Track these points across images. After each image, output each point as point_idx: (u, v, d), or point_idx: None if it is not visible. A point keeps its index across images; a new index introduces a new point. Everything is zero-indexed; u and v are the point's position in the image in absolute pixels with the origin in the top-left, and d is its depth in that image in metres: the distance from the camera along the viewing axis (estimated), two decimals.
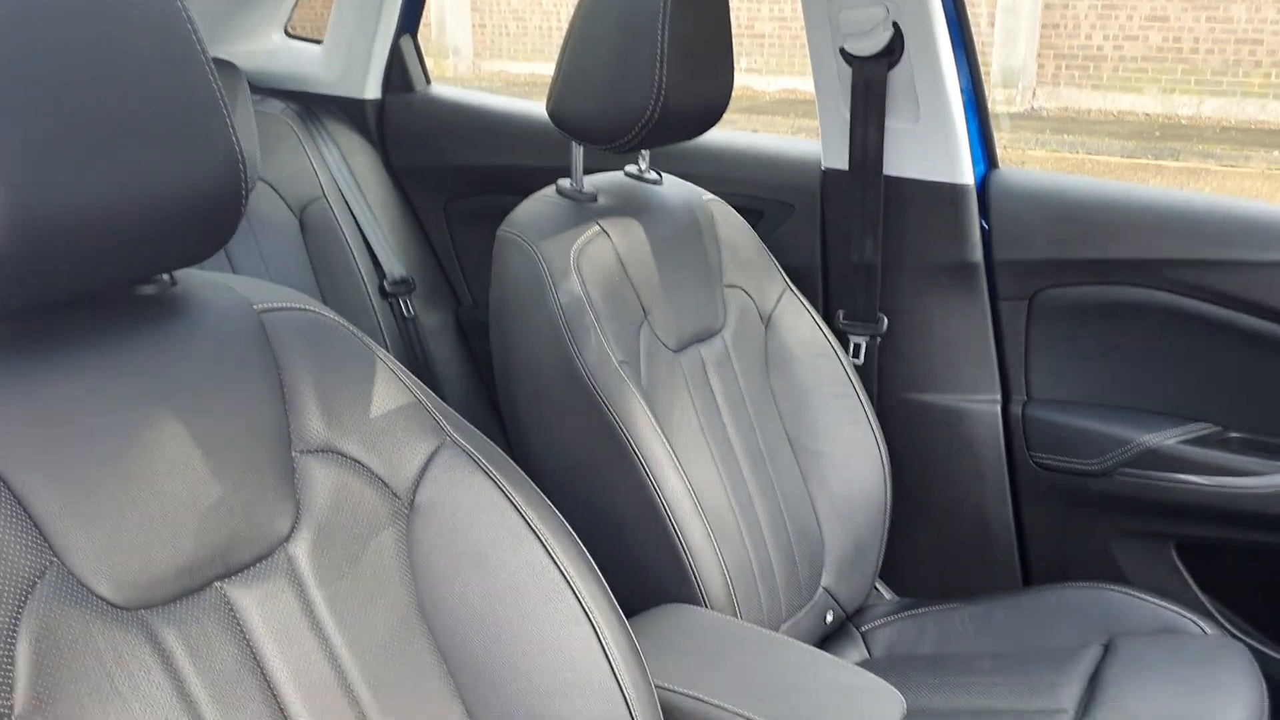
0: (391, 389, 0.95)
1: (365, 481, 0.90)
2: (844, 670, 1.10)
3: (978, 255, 1.72)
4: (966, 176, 1.70)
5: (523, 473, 0.98)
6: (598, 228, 1.40)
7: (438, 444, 0.94)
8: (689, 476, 1.32)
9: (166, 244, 0.78)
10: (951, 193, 1.71)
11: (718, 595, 1.29)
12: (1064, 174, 1.74)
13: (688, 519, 1.29)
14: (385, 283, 2.04)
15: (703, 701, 1.02)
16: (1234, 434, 1.63)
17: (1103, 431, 1.67)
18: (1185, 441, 1.62)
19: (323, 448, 0.88)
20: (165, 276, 0.86)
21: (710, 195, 1.64)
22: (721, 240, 1.60)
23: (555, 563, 0.94)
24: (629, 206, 1.48)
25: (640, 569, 1.28)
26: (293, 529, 0.85)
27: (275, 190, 1.98)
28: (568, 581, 0.94)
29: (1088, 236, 1.66)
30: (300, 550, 0.85)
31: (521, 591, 0.92)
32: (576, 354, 1.29)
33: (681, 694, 1.03)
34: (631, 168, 1.59)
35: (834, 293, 1.82)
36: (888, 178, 1.72)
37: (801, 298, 1.67)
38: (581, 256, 1.35)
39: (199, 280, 0.90)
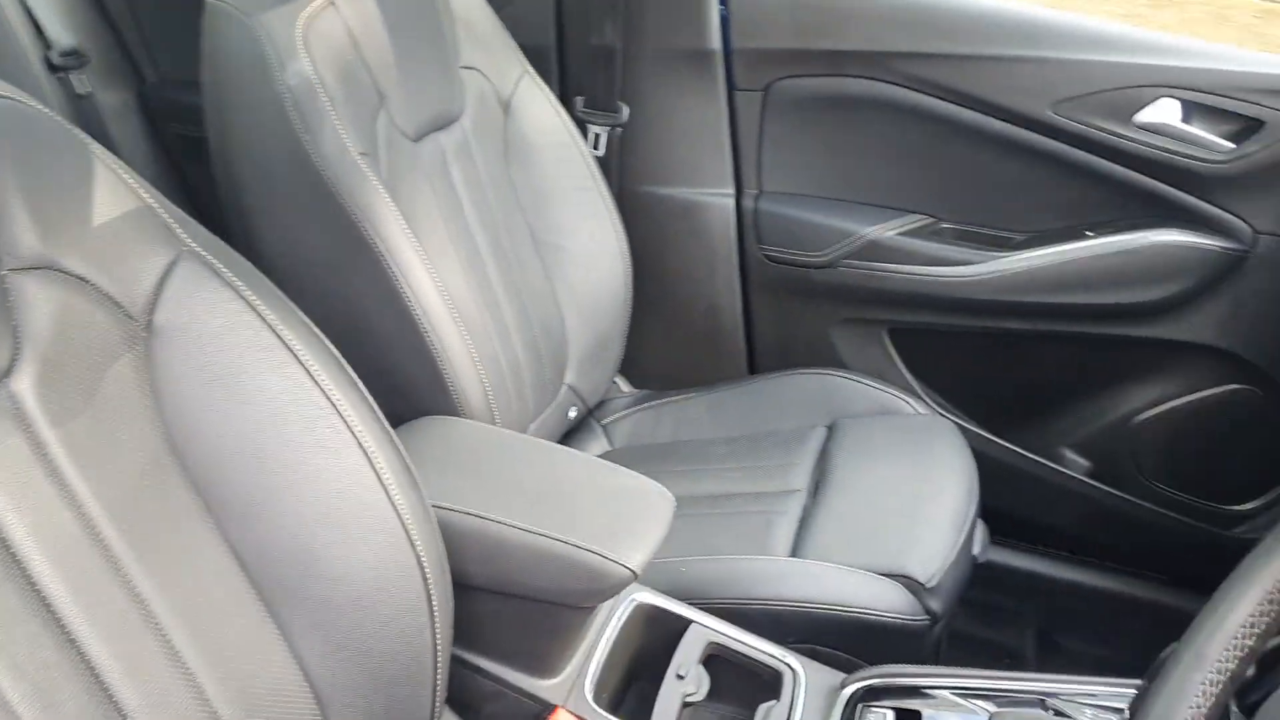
0: (115, 190, 0.81)
1: (93, 302, 0.77)
2: (614, 474, 1.10)
3: (716, 43, 1.68)
4: None
5: (273, 285, 0.87)
6: None
7: (174, 255, 0.82)
8: (439, 278, 1.25)
9: None
10: None
11: (476, 403, 1.25)
12: None
13: (442, 324, 1.22)
14: (51, 54, 1.75)
15: (482, 518, 0.99)
16: (946, 224, 1.72)
17: (828, 224, 1.73)
18: (903, 233, 1.70)
19: (39, 264, 0.74)
20: None
21: None
22: (456, 15, 1.47)
23: (318, 384, 0.85)
24: None
25: (392, 378, 1.21)
26: (13, 362, 0.72)
27: None
28: (333, 404, 0.86)
29: (823, 26, 1.66)
30: (24, 386, 0.72)
31: (283, 418, 0.84)
32: (310, 144, 1.16)
33: (459, 512, 0.99)
34: None
35: (570, 78, 1.74)
36: None
37: (541, 83, 1.58)
38: (309, 31, 1.19)
39: None
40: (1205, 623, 0.69)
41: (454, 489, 1.01)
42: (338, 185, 1.16)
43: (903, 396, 1.62)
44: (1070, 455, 1.81)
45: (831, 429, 1.58)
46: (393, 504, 0.87)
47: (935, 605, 1.26)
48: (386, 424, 0.90)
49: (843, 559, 1.28)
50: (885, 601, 1.24)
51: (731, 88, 1.71)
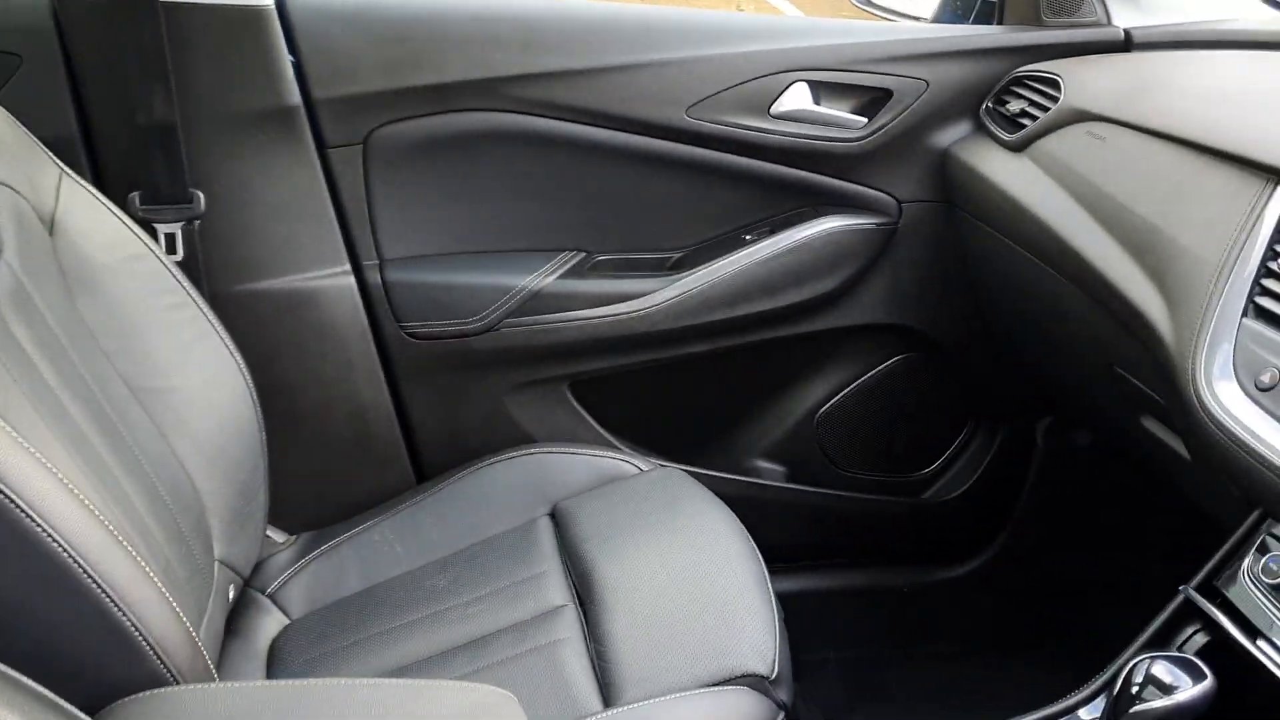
0: None
1: None
2: (436, 695, 0.79)
3: (294, 96, 1.37)
4: None
5: None
6: None
7: None
8: (72, 487, 0.84)
9: None
10: (247, 18, 1.32)
11: (178, 649, 0.85)
12: None
13: (103, 554, 0.81)
14: None
15: None
16: (601, 256, 1.54)
17: (477, 283, 1.48)
18: (562, 276, 1.50)
19: None
20: None
21: None
22: None
23: None
24: None
25: (54, 664, 0.79)
26: None
27: None
28: None
29: (417, 60, 1.41)
30: None
31: None
32: None
33: None
34: None
35: (112, 172, 1.34)
36: (165, 4, 1.26)
37: (85, 184, 1.18)
38: None
39: None
40: None
41: None
42: None
43: (614, 456, 1.42)
44: (764, 464, 1.72)
45: (555, 516, 1.35)
46: None
47: (783, 695, 1.09)
48: None
49: (669, 682, 1.06)
50: (738, 715, 1.04)
51: (322, 146, 1.41)
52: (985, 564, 1.78)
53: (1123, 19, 1.49)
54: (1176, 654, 0.88)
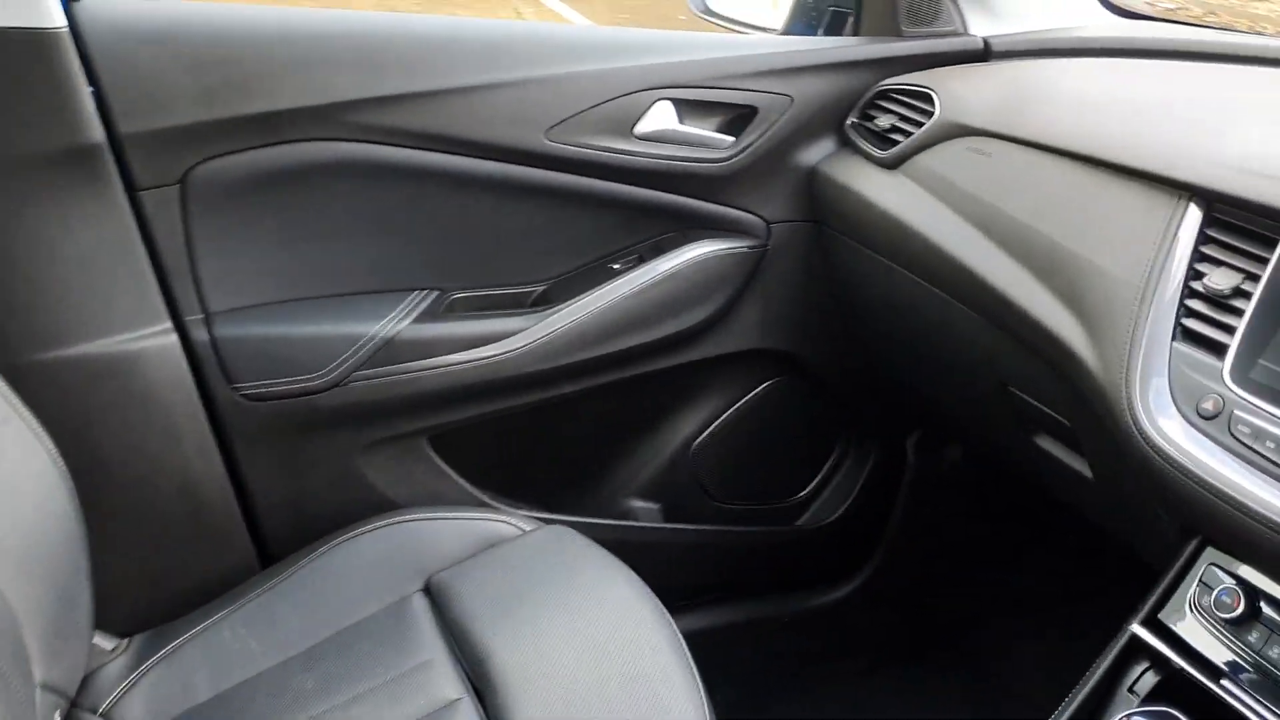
0: None
1: None
2: None
3: (97, 133, 1.17)
4: (54, 16, 1.12)
5: None
6: None
7: None
8: None
9: None
10: (34, 42, 1.12)
11: None
12: (195, 1, 1.25)
13: None
14: None
15: None
16: (457, 294, 1.41)
17: (321, 334, 1.32)
18: (417, 319, 1.35)
19: None
20: None
21: None
22: None
23: None
24: None
25: None
26: None
27: None
28: None
29: (245, 85, 1.23)
30: None
31: None
32: None
33: None
34: None
35: None
36: None
37: None
38: None
39: None
40: None
41: None
42: None
43: (489, 517, 1.29)
44: (639, 504, 1.62)
45: (431, 592, 1.21)
46: None
47: None
48: None
49: None
50: None
51: (132, 188, 1.22)
52: (865, 582, 1.74)
53: (979, 28, 1.46)
54: (1153, 709, 0.83)
